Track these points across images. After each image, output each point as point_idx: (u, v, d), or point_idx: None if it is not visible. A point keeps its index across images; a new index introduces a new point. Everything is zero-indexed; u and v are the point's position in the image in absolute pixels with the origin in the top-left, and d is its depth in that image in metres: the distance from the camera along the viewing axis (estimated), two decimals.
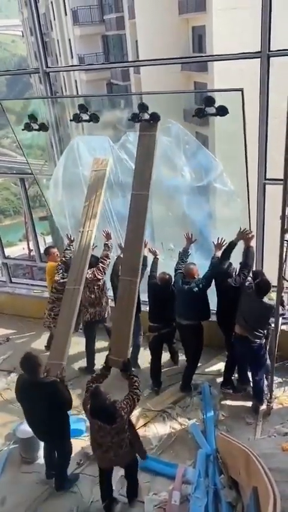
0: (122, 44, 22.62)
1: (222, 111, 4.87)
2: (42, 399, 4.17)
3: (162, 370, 6.02)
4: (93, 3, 24.16)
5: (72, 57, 25.90)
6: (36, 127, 6.00)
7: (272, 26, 4.86)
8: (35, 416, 4.36)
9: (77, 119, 5.72)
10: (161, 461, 4.94)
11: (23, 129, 6.14)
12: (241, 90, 4.71)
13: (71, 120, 5.87)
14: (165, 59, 6.08)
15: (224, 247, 5.52)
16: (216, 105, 4.88)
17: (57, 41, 28.43)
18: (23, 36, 39.76)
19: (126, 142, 6.15)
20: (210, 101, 4.87)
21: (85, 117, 5.66)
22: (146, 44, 18.93)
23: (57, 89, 26.98)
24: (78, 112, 5.68)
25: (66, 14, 25.80)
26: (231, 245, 5.46)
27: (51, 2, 28.41)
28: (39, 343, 7.04)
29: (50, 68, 6.24)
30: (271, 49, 5.00)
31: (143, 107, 5.37)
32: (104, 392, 3.90)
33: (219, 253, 5.53)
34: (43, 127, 6.05)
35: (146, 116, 5.39)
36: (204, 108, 4.92)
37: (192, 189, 6.12)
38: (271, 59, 4.99)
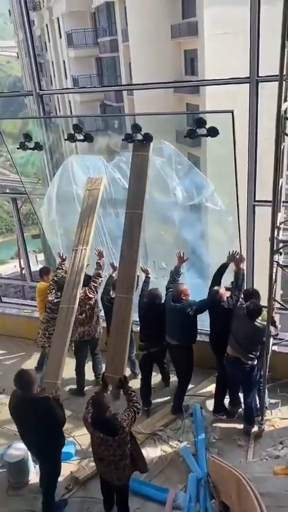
0: (115, 66, 23.01)
1: (213, 132, 4.98)
2: (35, 415, 4.16)
3: (153, 392, 5.96)
4: (88, 27, 24.65)
5: (66, 78, 26.29)
6: (31, 146, 6.07)
7: (264, 51, 5.01)
8: (29, 433, 4.35)
9: (71, 138, 5.80)
10: (151, 485, 4.85)
11: (17, 148, 6.20)
12: (231, 111, 4.83)
13: (65, 140, 5.94)
14: (156, 83, 6.23)
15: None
16: (208, 126, 4.99)
17: (52, 62, 28.90)
18: (18, 57, 40.35)
19: (120, 162, 6.25)
20: (201, 122, 4.99)
21: (79, 137, 5.75)
22: (139, 66, 19.30)
23: (51, 109, 27.30)
24: (73, 132, 5.76)
25: (61, 37, 26.29)
26: (223, 267, 5.51)
27: (47, 25, 28.97)
28: (30, 364, 6.94)
29: (43, 90, 6.33)
30: (260, 74, 5.15)
31: (136, 128, 5.50)
32: (105, 403, 3.93)
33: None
34: (38, 146, 6.11)
35: (139, 137, 5.51)
36: (195, 129, 5.03)
37: (184, 208, 6.20)
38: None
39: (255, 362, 5.14)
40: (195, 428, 5.46)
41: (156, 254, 6.59)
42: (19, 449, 5.03)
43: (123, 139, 5.65)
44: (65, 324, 5.40)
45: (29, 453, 4.98)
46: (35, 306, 7.06)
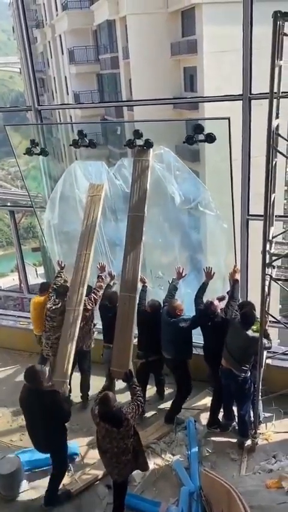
0: (116, 82, 23.37)
1: (210, 138, 5.20)
2: (41, 408, 4.42)
3: (147, 404, 5.96)
4: (89, 44, 25.10)
5: (68, 93, 26.67)
6: (38, 151, 6.24)
7: (258, 69, 5.13)
8: (35, 425, 4.57)
9: (76, 144, 5.99)
10: (144, 499, 4.83)
11: (24, 153, 6.38)
12: (228, 118, 4.98)
13: (70, 145, 6.16)
14: (154, 100, 6.34)
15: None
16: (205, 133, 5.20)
17: (54, 78, 29.32)
18: (20, 73, 40.99)
19: (121, 167, 6.39)
20: (199, 129, 5.21)
21: (84, 142, 5.96)
22: (140, 82, 19.62)
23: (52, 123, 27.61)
24: (77, 138, 5.97)
25: (63, 53, 26.74)
26: (203, 286, 5.61)
27: (49, 42, 29.47)
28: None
29: (41, 105, 6.46)
30: (256, 91, 5.28)
31: (137, 134, 5.69)
32: (112, 399, 4.15)
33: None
34: (43, 152, 6.29)
35: (140, 142, 5.70)
36: (193, 135, 5.22)
37: (181, 213, 6.33)
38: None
39: (248, 374, 5.15)
40: (188, 442, 5.45)
41: (153, 262, 6.65)
42: (10, 461, 5.02)
43: (124, 145, 5.89)
44: (72, 325, 5.62)
45: (22, 467, 5.00)
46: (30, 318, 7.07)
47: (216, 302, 5.41)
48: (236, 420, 5.51)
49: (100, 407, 4.17)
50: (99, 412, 4.16)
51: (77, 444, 5.48)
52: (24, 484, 5.08)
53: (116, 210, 6.67)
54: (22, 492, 5.02)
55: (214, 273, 5.71)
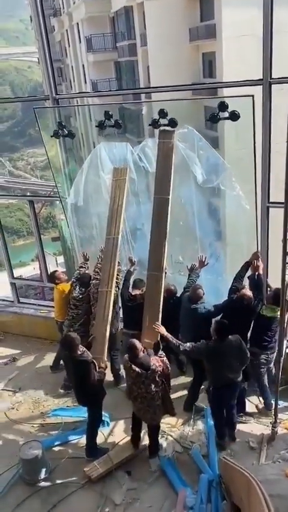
0: (134, 70, 23.17)
1: (234, 116, 5.18)
2: (74, 372, 5.12)
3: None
4: (107, 31, 24.89)
5: (85, 82, 26.57)
6: (65, 133, 6.31)
7: (281, 53, 4.99)
8: (73, 384, 5.41)
9: (102, 125, 6.07)
10: (177, 471, 4.98)
11: (51, 136, 6.42)
12: (252, 96, 4.93)
13: (96, 126, 6.23)
14: (173, 86, 6.22)
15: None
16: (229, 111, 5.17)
17: (72, 67, 29.24)
18: (38, 62, 40.99)
19: (145, 147, 6.40)
20: (223, 107, 5.18)
21: (109, 123, 6.04)
22: (158, 69, 19.39)
23: (70, 113, 27.60)
24: (103, 119, 6.04)
25: (80, 42, 26.61)
26: (245, 266, 5.58)
27: (66, 30, 29.36)
28: (45, 363, 7.08)
29: (59, 94, 6.45)
30: (277, 75, 5.16)
31: (162, 113, 5.69)
32: (138, 346, 4.78)
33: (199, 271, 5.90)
34: (70, 134, 6.36)
35: (165, 121, 5.71)
36: (217, 113, 5.22)
37: (204, 195, 6.37)
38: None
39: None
40: (206, 430, 5.47)
41: (173, 247, 6.64)
42: (33, 447, 5.13)
43: (149, 125, 5.92)
44: (106, 306, 5.85)
45: (43, 453, 5.13)
46: (52, 307, 7.18)
47: (249, 293, 5.40)
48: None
49: (129, 353, 4.78)
50: (129, 357, 4.75)
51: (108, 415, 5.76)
52: (47, 469, 5.18)
53: (139, 193, 6.72)
54: (45, 476, 5.12)
55: (208, 263, 5.92)
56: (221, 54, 17.37)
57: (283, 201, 4.44)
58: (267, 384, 5.64)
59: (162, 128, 5.81)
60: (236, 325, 5.30)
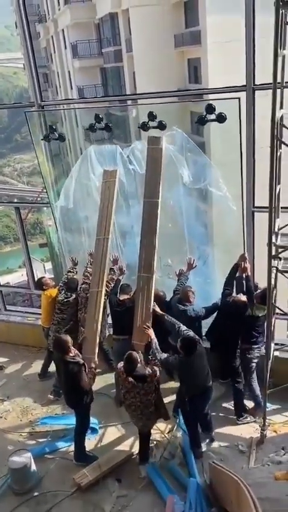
0: (119, 76, 23.24)
1: (221, 118, 5.32)
2: (66, 374, 5.06)
3: None
4: (92, 37, 24.96)
5: (71, 88, 26.58)
6: (56, 137, 6.40)
7: (266, 59, 5.05)
8: (62, 385, 5.37)
9: (92, 128, 6.18)
10: (165, 481, 4.92)
11: (42, 139, 6.51)
12: (238, 98, 5.08)
13: (86, 129, 6.36)
14: (158, 92, 6.27)
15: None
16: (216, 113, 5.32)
17: (58, 73, 29.24)
18: (24, 68, 40.93)
19: (134, 149, 6.48)
20: (211, 109, 5.32)
21: (100, 126, 6.16)
22: (143, 75, 19.47)
23: (57, 119, 27.59)
24: (93, 122, 6.17)
25: (66, 48, 26.63)
26: (234, 268, 5.64)
27: (52, 36, 29.37)
28: (33, 371, 7.02)
29: (44, 101, 6.45)
30: (261, 82, 5.22)
31: (151, 116, 5.82)
32: (136, 358, 4.72)
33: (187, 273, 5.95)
34: (61, 137, 6.45)
35: (154, 124, 5.83)
36: (205, 116, 5.35)
37: (192, 197, 6.44)
38: None
39: None
40: (183, 440, 5.41)
41: (161, 249, 6.69)
42: (22, 456, 5.08)
43: (138, 127, 6.05)
44: (96, 305, 5.87)
45: (32, 462, 5.08)
46: (39, 314, 7.13)
47: (243, 298, 5.48)
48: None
49: (125, 365, 4.71)
50: (125, 368, 4.70)
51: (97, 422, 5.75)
52: (36, 478, 5.13)
53: (128, 196, 6.76)
54: (33, 486, 5.07)
55: (196, 265, 5.98)
56: (206, 60, 17.51)
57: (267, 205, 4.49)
58: (257, 385, 5.68)
59: (150, 135, 5.90)
60: (229, 327, 5.46)
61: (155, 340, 5.16)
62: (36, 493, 5.01)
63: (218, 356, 5.83)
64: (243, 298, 5.48)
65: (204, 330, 5.87)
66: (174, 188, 6.36)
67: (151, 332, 5.26)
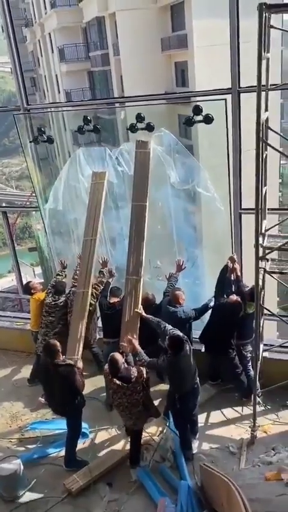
0: (107, 79, 23.25)
1: (208, 119, 5.40)
2: (58, 378, 4.95)
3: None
4: (79, 41, 24.95)
5: (59, 92, 26.52)
6: (44, 139, 6.44)
7: (252, 62, 5.10)
8: (53, 393, 5.15)
9: (81, 130, 6.24)
10: (156, 484, 4.90)
11: (30, 142, 6.52)
12: (225, 99, 5.18)
13: (75, 131, 6.43)
14: (144, 96, 6.32)
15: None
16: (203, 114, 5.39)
17: (45, 76, 29.17)
18: (12, 73, 40.77)
19: (122, 150, 6.54)
20: (198, 110, 5.40)
21: (88, 128, 6.23)
22: (131, 79, 19.51)
23: (45, 123, 27.51)
24: (82, 124, 6.23)
25: (53, 52, 26.59)
26: (224, 269, 5.68)
27: (39, 40, 29.30)
28: (22, 376, 6.96)
29: (30, 105, 6.43)
30: (245, 85, 5.27)
31: (139, 117, 5.90)
32: (119, 359, 4.76)
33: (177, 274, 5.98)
34: (49, 140, 6.49)
35: (143, 126, 5.90)
36: (192, 117, 5.42)
37: (180, 198, 6.47)
38: None
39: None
40: (174, 443, 5.37)
41: (151, 251, 6.71)
42: (12, 462, 5.03)
43: (127, 129, 6.09)
44: (82, 307, 5.91)
45: (22, 468, 5.03)
46: (28, 319, 7.08)
47: (235, 297, 5.54)
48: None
49: (109, 367, 4.75)
50: (109, 370, 4.74)
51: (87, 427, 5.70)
52: (26, 484, 5.08)
53: (117, 197, 6.80)
54: (23, 493, 5.01)
55: (185, 267, 6.00)
56: (193, 64, 17.62)
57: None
58: (245, 381, 5.75)
59: (138, 138, 5.96)
60: (224, 327, 5.56)
61: (139, 349, 5.15)
62: (26, 500, 4.95)
63: (210, 357, 5.90)
64: (235, 297, 5.52)
65: (197, 332, 5.89)
66: (163, 189, 6.39)
67: (136, 343, 5.25)
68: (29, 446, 5.66)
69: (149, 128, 5.94)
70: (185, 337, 4.98)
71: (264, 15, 4.00)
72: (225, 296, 5.64)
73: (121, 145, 6.64)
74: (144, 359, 4.99)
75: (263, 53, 4.10)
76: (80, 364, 5.38)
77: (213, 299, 5.73)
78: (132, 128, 5.96)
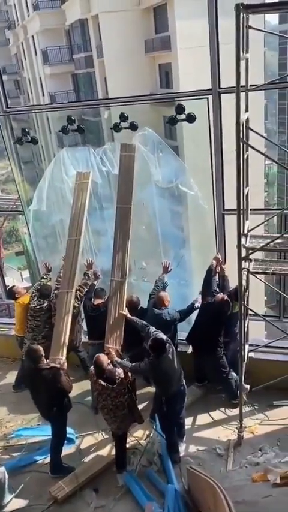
0: (91, 81, 23.22)
1: (191, 118, 5.44)
2: (42, 383, 4.93)
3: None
4: (63, 44, 24.89)
5: (43, 94, 26.41)
6: (28, 139, 6.40)
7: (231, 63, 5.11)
8: (39, 397, 5.09)
9: (65, 130, 6.21)
10: (142, 488, 4.86)
11: (14, 143, 6.46)
12: (207, 98, 5.24)
13: (59, 131, 6.35)
14: (128, 97, 6.26)
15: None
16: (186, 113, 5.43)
17: (29, 79, 29.03)
18: None
19: (106, 150, 6.54)
20: (180, 109, 5.43)
21: (72, 128, 6.20)
22: (115, 81, 19.51)
23: (30, 125, 27.35)
24: (66, 124, 6.19)
25: (36, 54, 26.47)
26: (210, 271, 5.68)
27: (22, 43, 29.15)
28: (7, 382, 6.87)
29: (10, 108, 6.36)
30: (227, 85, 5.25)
31: (123, 117, 5.88)
32: (104, 360, 4.75)
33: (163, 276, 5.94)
34: (33, 140, 6.46)
35: (126, 125, 5.90)
36: (175, 116, 5.45)
37: (163, 196, 6.49)
38: None
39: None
40: (160, 447, 5.34)
41: (136, 252, 6.68)
42: None
43: (111, 128, 6.07)
44: (66, 307, 5.85)
45: (6, 476, 4.94)
46: (12, 324, 6.99)
47: (221, 296, 5.56)
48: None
49: (94, 368, 4.73)
50: (94, 371, 4.72)
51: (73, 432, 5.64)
52: (11, 493, 5.00)
53: (102, 198, 6.78)
54: (8, 502, 4.93)
55: (171, 269, 5.99)
56: (177, 65, 17.69)
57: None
58: (233, 383, 5.72)
59: (123, 141, 5.97)
60: (211, 326, 5.55)
61: (120, 361, 5.04)
62: (10, 510, 4.87)
63: (196, 358, 5.88)
64: (224, 295, 5.54)
65: (184, 334, 5.88)
66: (147, 189, 6.38)
67: (115, 357, 5.13)
68: (14, 454, 5.58)
69: (133, 127, 5.95)
70: (168, 339, 4.94)
71: (241, 15, 3.98)
72: (214, 295, 5.63)
73: (106, 144, 6.63)
74: (125, 365, 4.92)
75: (241, 54, 4.08)
76: (64, 365, 5.32)
77: (198, 300, 5.72)
78: (116, 127, 5.96)
